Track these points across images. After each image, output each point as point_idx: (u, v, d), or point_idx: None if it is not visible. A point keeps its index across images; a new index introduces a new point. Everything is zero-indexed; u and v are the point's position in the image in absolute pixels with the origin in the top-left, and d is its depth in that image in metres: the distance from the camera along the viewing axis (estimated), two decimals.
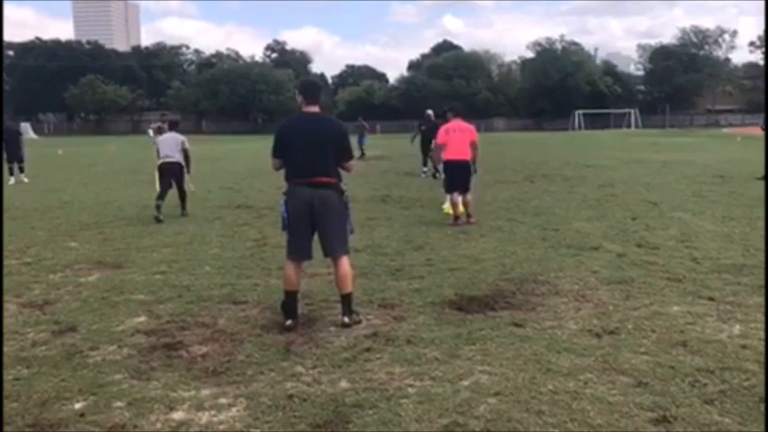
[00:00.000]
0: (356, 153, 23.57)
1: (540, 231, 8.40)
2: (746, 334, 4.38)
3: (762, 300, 5.15)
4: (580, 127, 73.58)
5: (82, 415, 3.31)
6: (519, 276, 6.06)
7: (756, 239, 7.61)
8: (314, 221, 4.74)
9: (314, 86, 5.06)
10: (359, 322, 4.74)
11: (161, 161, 10.10)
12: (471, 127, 9.58)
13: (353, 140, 23.30)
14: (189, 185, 10.42)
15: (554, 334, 4.44)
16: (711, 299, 5.22)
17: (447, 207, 10.01)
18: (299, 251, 4.81)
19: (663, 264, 6.46)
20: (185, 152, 10.19)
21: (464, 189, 9.20)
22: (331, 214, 4.75)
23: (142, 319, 4.97)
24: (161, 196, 9.87)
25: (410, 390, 3.58)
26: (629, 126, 73.39)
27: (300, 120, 4.91)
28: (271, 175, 17.92)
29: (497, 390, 3.53)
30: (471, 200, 9.29)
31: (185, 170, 10.24)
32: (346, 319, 4.70)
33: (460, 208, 9.24)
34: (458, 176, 9.23)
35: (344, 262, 4.82)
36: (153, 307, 5.26)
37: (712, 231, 8.23)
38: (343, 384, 3.67)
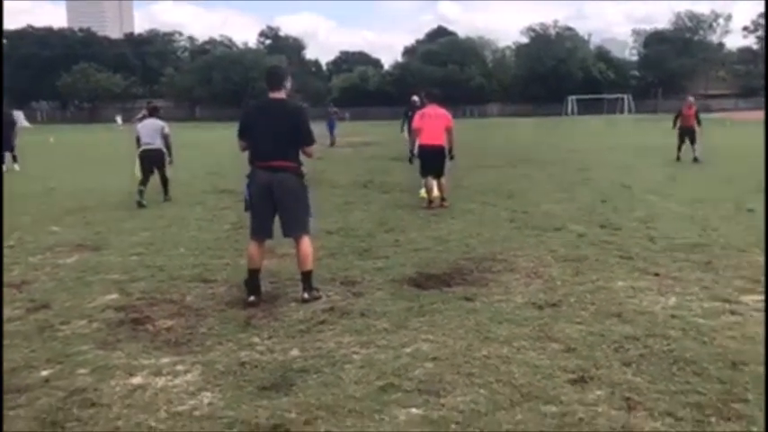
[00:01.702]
0: (326, 141, 23.83)
1: (509, 213, 8.67)
2: (680, 305, 4.67)
3: (702, 275, 5.43)
4: (573, 112, 73.77)
5: (47, 381, 3.58)
6: (479, 255, 6.33)
7: (715, 220, 7.89)
8: (274, 203, 4.96)
9: (276, 73, 5.18)
10: (318, 298, 4.98)
11: (142, 148, 10.30)
12: (446, 113, 9.78)
13: (323, 128, 23.52)
14: (169, 172, 10.63)
15: (500, 307, 4.71)
16: (657, 274, 5.50)
17: (423, 191, 10.27)
18: (259, 230, 5.05)
19: (620, 243, 6.74)
20: (166, 138, 10.39)
21: (438, 173, 9.44)
22: (289, 197, 4.95)
23: (114, 296, 5.23)
24: (143, 182, 10.10)
25: (355, 356, 3.86)
26: (621, 111, 73.57)
27: (263, 105, 5.17)
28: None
29: (435, 355, 3.81)
30: (446, 184, 9.53)
31: (166, 156, 10.44)
32: (306, 295, 4.96)
33: (435, 192, 9.49)
34: (432, 161, 9.44)
35: (305, 242, 5.06)
36: (125, 285, 5.52)
37: (676, 213, 8.51)
38: (294, 353, 3.95)
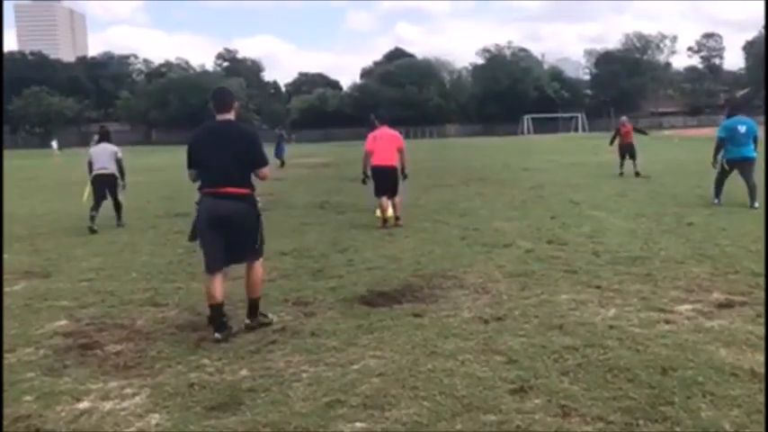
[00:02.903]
0: (273, 164, 23.65)
1: (460, 231, 8.86)
2: (618, 316, 4.87)
3: (642, 287, 5.67)
4: (529, 131, 75.34)
5: None
6: (430, 272, 6.47)
7: (657, 234, 8.22)
8: (225, 232, 4.69)
9: (223, 94, 5.00)
10: (268, 324, 4.85)
11: (95, 173, 10.20)
12: (398, 134, 10.03)
13: (269, 151, 23.41)
14: (122, 197, 10.55)
15: (447, 322, 4.84)
16: (598, 287, 5.71)
17: (378, 211, 10.41)
18: (214, 263, 4.74)
19: (566, 258, 6.97)
20: (119, 162, 10.32)
21: (392, 193, 9.60)
22: (239, 226, 4.70)
23: (63, 322, 5.18)
24: (95, 208, 10.01)
25: (304, 375, 3.92)
26: (576, 130, 75.49)
27: (211, 128, 4.89)
28: None
29: (382, 371, 3.91)
30: (399, 203, 9.69)
31: (119, 181, 10.36)
32: (249, 321, 4.86)
33: (389, 212, 9.64)
34: (385, 181, 9.61)
35: (257, 268, 4.90)
36: (75, 312, 5.47)
37: (620, 228, 8.82)
38: (243, 373, 4.00)
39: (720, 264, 6.41)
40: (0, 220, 9.71)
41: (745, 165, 10.57)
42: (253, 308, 4.92)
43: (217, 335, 4.61)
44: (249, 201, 4.76)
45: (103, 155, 10.27)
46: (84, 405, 3.58)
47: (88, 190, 10.26)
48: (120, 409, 3.52)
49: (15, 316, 5.37)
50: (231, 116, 4.90)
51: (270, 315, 5.03)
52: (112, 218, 10.42)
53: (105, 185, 10.22)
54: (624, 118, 18.32)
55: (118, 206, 10.43)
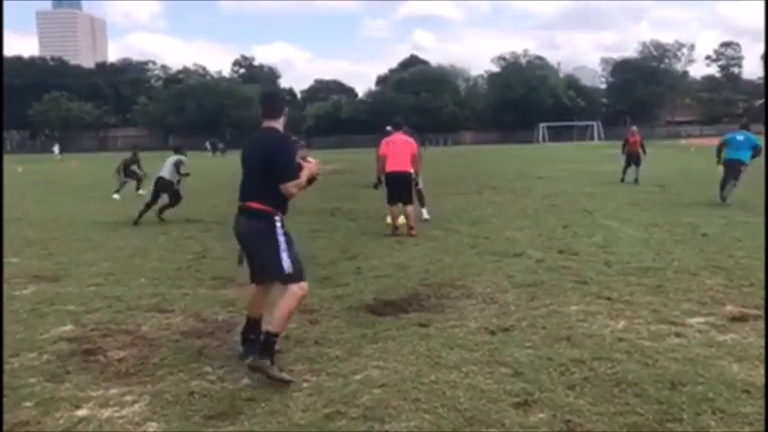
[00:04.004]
0: None
1: (471, 240, 8.78)
2: (628, 329, 4.77)
3: (653, 299, 5.57)
4: (544, 139, 74.99)
5: None
6: (438, 281, 6.40)
7: (670, 244, 8.09)
8: (247, 251, 4.31)
9: (272, 99, 4.51)
10: (282, 382, 3.87)
11: (156, 176, 12.12)
12: (411, 140, 9.95)
13: None
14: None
15: (453, 332, 4.77)
16: (609, 298, 5.61)
17: (389, 218, 10.36)
18: (251, 277, 4.42)
19: (576, 268, 6.86)
20: (177, 167, 11.97)
21: (405, 200, 9.49)
22: (253, 246, 4.23)
23: (68, 327, 5.18)
24: (149, 205, 11.57)
25: (305, 384, 3.88)
26: (591, 138, 75.00)
27: (253, 136, 4.43)
28: (225, 190, 18.12)
29: (384, 382, 3.85)
30: (412, 211, 9.57)
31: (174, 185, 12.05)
32: (251, 360, 4.03)
33: (401, 219, 9.57)
34: (398, 188, 9.51)
35: (283, 293, 4.09)
36: (81, 317, 5.47)
37: (633, 237, 8.70)
38: (245, 381, 3.95)
39: (735, 276, 6.28)
40: (0, 222, 9.68)
41: (732, 165, 12.30)
42: (264, 343, 4.00)
43: (241, 349, 4.37)
44: (266, 219, 4.10)
45: (167, 164, 12.02)
46: (82, 412, 3.56)
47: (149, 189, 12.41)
48: (119, 417, 3.49)
49: (22, 320, 5.37)
50: (277, 124, 4.28)
51: (286, 375, 3.94)
52: (127, 223, 10.52)
53: (160, 187, 11.90)
54: (634, 128, 19.05)
55: (175, 202, 11.94)
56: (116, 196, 16.35)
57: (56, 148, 57.73)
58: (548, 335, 4.67)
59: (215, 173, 26.37)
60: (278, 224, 4.13)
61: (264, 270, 4.22)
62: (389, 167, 9.61)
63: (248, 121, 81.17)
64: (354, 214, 12.17)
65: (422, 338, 4.64)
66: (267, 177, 4.10)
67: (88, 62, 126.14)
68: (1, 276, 5.75)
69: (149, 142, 76.58)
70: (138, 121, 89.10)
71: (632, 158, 17.78)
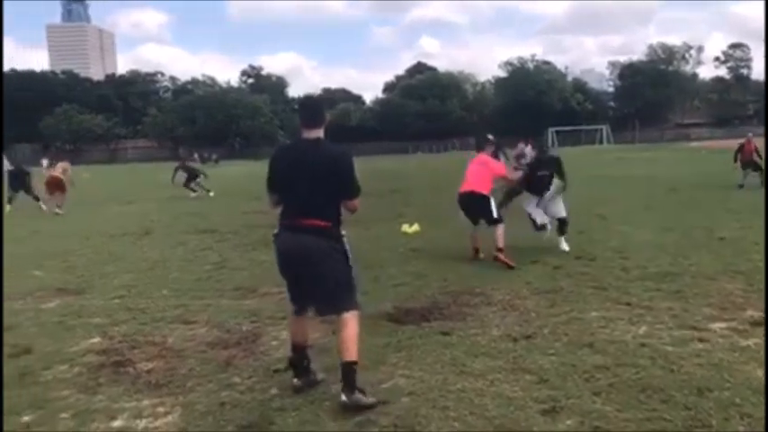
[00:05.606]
0: None
1: (487, 247, 8.79)
2: (650, 334, 4.81)
3: (672, 304, 5.59)
4: (553, 144, 74.76)
5: (28, 426, 3.62)
6: (457, 289, 6.45)
7: (687, 249, 8.10)
8: (299, 273, 3.99)
9: (314, 107, 4.28)
10: (369, 407, 3.67)
11: None
12: (491, 159, 8.73)
13: None
14: None
15: (476, 340, 4.82)
16: (628, 304, 5.65)
17: (405, 227, 10.45)
18: (293, 302, 4.16)
19: (594, 274, 6.90)
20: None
21: (486, 221, 8.24)
22: (314, 265, 3.88)
23: (96, 340, 5.27)
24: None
25: (334, 393, 3.93)
26: (600, 142, 74.87)
27: (294, 147, 4.16)
28: (237, 200, 18.20)
29: (411, 390, 3.91)
30: (500, 233, 7.86)
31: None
32: (343, 397, 3.70)
33: (478, 242, 8.47)
34: (466, 209, 8.49)
35: (349, 323, 3.86)
36: (107, 329, 5.56)
37: (648, 242, 8.72)
38: (273, 391, 4.02)
39: (754, 280, 6.30)
40: (0, 223, 9.81)
41: None
42: (347, 376, 3.74)
43: (295, 380, 4.05)
44: (331, 236, 3.88)
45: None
46: (118, 423, 3.64)
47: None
48: (154, 428, 3.57)
49: (50, 333, 5.47)
50: (319, 133, 4.01)
51: (370, 398, 3.74)
52: (142, 235, 10.64)
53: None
54: (750, 134, 18.01)
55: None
56: (211, 194, 19.71)
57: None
58: (570, 341, 4.71)
59: (216, 181, 26.54)
60: (346, 243, 3.97)
61: (325, 296, 3.94)
62: (460, 189, 8.48)
63: (257, 131, 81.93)
64: (367, 222, 12.21)
65: (445, 347, 4.70)
66: (331, 193, 3.91)
67: (98, 74, 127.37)
68: (1, 278, 5.77)
69: (158, 154, 77.14)
70: (148, 133, 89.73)
71: (748, 165, 17.01)
